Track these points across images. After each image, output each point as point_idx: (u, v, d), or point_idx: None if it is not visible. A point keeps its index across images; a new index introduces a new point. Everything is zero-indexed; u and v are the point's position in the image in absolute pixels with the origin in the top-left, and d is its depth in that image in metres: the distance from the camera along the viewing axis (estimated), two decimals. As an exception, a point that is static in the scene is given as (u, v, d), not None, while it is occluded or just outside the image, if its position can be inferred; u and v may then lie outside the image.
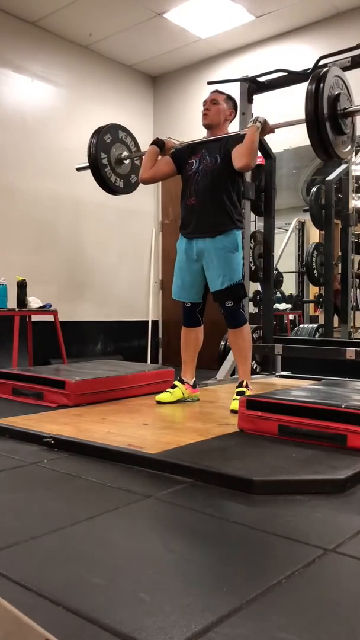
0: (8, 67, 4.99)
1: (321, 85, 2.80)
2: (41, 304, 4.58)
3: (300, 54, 5.07)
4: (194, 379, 3.32)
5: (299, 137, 5.06)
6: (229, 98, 3.28)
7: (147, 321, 6.14)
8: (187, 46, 5.51)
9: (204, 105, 3.23)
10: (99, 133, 3.67)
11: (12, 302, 4.46)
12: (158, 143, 3.34)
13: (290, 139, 4.99)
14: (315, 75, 2.85)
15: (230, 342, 3.30)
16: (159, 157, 3.34)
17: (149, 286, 6.21)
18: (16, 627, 0.69)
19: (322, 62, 3.76)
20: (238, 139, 3.10)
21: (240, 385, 3.15)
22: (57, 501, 1.74)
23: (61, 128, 5.39)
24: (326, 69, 2.88)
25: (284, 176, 5.38)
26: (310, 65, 3.87)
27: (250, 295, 4.51)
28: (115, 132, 3.75)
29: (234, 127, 3.41)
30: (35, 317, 4.68)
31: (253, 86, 4.20)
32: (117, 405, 3.13)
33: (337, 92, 2.87)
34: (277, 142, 4.40)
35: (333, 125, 2.84)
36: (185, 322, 3.35)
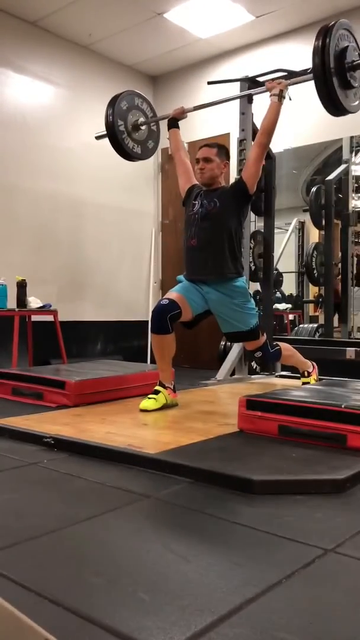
0: (8, 68, 4.99)
1: (327, 39, 2.75)
2: (41, 304, 4.58)
3: (300, 54, 5.07)
4: (172, 382, 3.16)
5: (299, 137, 5.07)
6: (220, 149, 3.23)
7: (147, 321, 6.13)
8: (187, 46, 5.50)
9: (197, 164, 3.21)
10: (115, 100, 3.67)
11: (12, 302, 4.45)
12: (172, 124, 3.54)
13: (290, 139, 5.00)
14: (321, 29, 2.81)
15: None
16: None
17: (149, 286, 6.21)
18: (16, 627, 0.69)
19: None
20: (235, 182, 3.21)
21: (303, 375, 3.55)
22: (57, 501, 1.74)
23: (61, 128, 5.39)
24: (333, 22, 2.82)
25: (283, 176, 5.37)
26: (310, 65, 3.87)
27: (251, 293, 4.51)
28: (131, 99, 3.76)
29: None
30: (35, 317, 4.68)
31: (253, 86, 4.19)
32: (117, 405, 3.13)
33: (344, 45, 2.82)
34: (277, 142, 4.39)
35: (341, 79, 2.80)
36: (153, 327, 3.07)
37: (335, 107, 2.82)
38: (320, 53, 2.73)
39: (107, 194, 5.78)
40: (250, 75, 4.22)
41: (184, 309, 3.04)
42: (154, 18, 4.99)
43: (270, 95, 3.11)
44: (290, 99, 3.09)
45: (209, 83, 4.40)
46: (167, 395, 3.06)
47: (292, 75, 3.98)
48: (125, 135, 3.72)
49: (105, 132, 3.74)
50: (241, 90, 4.20)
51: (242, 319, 3.18)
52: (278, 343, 3.47)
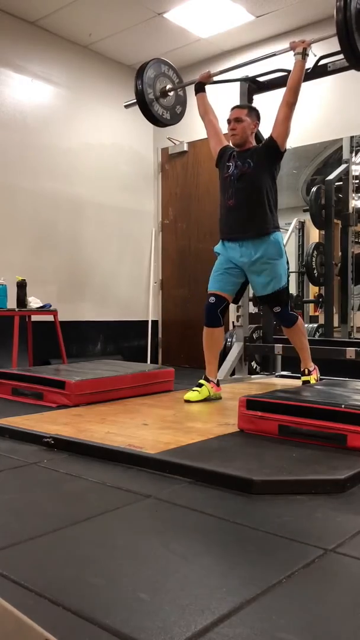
0: (8, 67, 4.99)
1: None
2: (41, 304, 4.58)
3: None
4: (217, 378, 3.42)
5: (299, 137, 5.07)
6: (250, 109, 3.38)
7: (147, 321, 6.14)
8: (187, 46, 5.50)
9: (228, 124, 3.33)
10: (143, 69, 3.72)
11: (12, 302, 4.45)
12: (198, 89, 3.59)
13: (290, 139, 4.98)
14: None
15: (288, 336, 3.54)
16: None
17: (149, 286, 6.20)
18: (16, 627, 0.69)
19: (322, 62, 3.77)
20: (267, 140, 3.27)
21: (303, 373, 3.50)
22: (57, 501, 1.74)
23: (61, 128, 5.39)
24: None
25: (283, 176, 5.36)
26: (310, 65, 3.87)
27: (251, 294, 4.51)
28: (157, 67, 3.81)
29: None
30: (35, 317, 4.68)
31: (253, 86, 4.20)
32: (117, 405, 3.13)
33: None
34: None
35: None
36: (206, 322, 3.37)
37: (358, 60, 2.92)
38: (342, 10, 2.84)
39: (107, 194, 5.78)
40: (251, 75, 4.21)
41: (227, 298, 3.36)
42: (154, 18, 4.99)
43: (295, 54, 3.21)
44: (315, 55, 3.28)
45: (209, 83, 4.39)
46: (211, 389, 3.30)
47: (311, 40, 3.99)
48: (155, 101, 3.79)
49: (134, 100, 3.79)
50: (241, 91, 4.20)
51: (277, 274, 3.25)
52: (300, 317, 3.52)
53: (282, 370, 4.58)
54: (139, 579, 1.20)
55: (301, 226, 5.84)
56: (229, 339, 4.58)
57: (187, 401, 3.21)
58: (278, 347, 4.23)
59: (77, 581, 1.19)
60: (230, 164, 3.33)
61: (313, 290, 5.82)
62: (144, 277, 6.20)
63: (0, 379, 3.43)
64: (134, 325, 6.04)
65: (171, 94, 3.87)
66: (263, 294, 3.32)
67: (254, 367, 4.60)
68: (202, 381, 3.31)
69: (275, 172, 3.33)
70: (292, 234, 5.79)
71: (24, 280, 4.47)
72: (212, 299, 3.32)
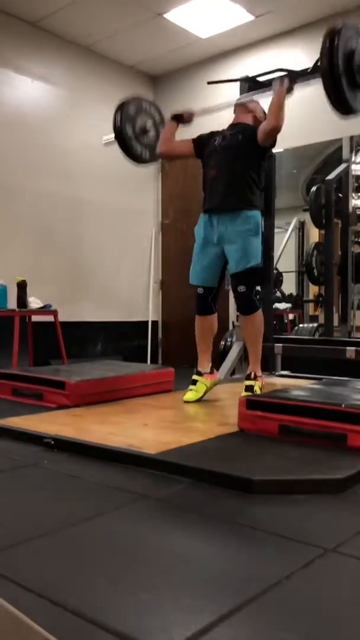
0: (8, 68, 4.99)
1: (336, 40, 2.74)
2: (41, 305, 4.58)
3: (300, 54, 5.07)
4: (209, 365, 3.34)
5: (299, 137, 5.07)
6: (259, 106, 3.42)
7: (147, 321, 6.14)
8: (187, 46, 5.50)
9: (235, 107, 3.39)
10: (123, 105, 3.67)
11: (12, 303, 4.46)
12: (176, 117, 3.45)
13: (290, 139, 4.99)
14: (330, 31, 2.79)
15: (241, 328, 3.35)
16: (183, 134, 3.47)
17: (149, 286, 6.20)
18: (16, 628, 0.69)
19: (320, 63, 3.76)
20: (253, 136, 3.20)
21: (248, 377, 3.20)
22: (57, 502, 1.74)
23: (61, 128, 5.39)
24: (341, 24, 2.81)
25: (283, 176, 5.37)
26: (310, 64, 3.87)
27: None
28: (139, 103, 3.76)
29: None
30: (35, 318, 4.68)
31: (253, 86, 4.19)
32: (117, 405, 3.13)
33: (353, 47, 2.83)
34: (277, 142, 4.40)
35: (350, 80, 2.81)
36: (198, 310, 3.32)
37: (345, 108, 2.85)
38: (328, 54, 2.74)
39: (107, 194, 5.77)
40: (250, 75, 4.21)
41: (213, 287, 3.29)
42: (154, 18, 4.99)
43: (273, 83, 3.19)
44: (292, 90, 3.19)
45: (209, 83, 4.39)
46: (206, 381, 3.24)
47: (294, 75, 3.98)
48: (134, 139, 3.71)
49: (113, 138, 3.74)
50: (241, 90, 4.20)
51: (251, 249, 3.13)
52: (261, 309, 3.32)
53: (282, 369, 4.58)
54: (139, 578, 1.20)
55: (301, 226, 5.84)
56: (228, 339, 4.58)
57: (186, 402, 3.19)
58: (278, 347, 4.22)
59: (77, 581, 1.19)
60: (216, 138, 3.30)
61: (313, 290, 5.82)
62: (144, 278, 6.20)
63: (0, 379, 3.43)
64: (134, 326, 6.04)
65: (152, 131, 3.78)
66: (236, 271, 3.16)
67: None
68: (195, 377, 3.26)
69: (262, 156, 3.27)
70: (292, 233, 5.79)
71: (24, 280, 4.47)
72: (200, 290, 3.27)
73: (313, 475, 1.84)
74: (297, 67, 4.05)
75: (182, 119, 3.43)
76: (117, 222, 5.90)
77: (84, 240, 5.61)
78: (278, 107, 3.06)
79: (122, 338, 5.93)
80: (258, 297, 3.29)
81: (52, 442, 2.29)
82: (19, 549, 1.36)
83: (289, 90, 3.13)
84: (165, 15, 4.95)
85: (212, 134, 3.35)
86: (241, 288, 3.14)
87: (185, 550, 1.36)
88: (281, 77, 3.12)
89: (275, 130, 3.10)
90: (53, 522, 1.53)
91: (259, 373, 3.26)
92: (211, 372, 3.34)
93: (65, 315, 4.94)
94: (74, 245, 5.53)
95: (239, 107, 3.35)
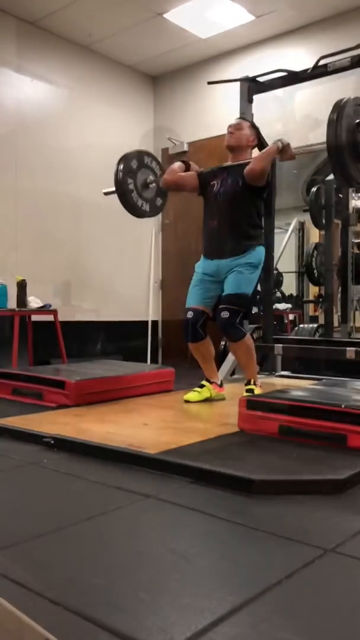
0: (8, 67, 4.99)
1: (341, 114, 2.81)
2: (41, 304, 4.58)
3: (300, 54, 5.07)
4: (219, 379, 3.41)
5: (300, 138, 5.07)
6: (253, 126, 3.40)
7: (147, 321, 6.14)
8: (187, 46, 5.50)
9: (228, 129, 3.31)
10: (125, 159, 3.68)
11: (12, 302, 4.45)
12: (184, 162, 3.46)
13: (290, 139, 4.99)
14: (335, 105, 2.87)
15: (231, 352, 3.36)
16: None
17: (149, 286, 6.20)
18: (17, 627, 0.69)
19: (322, 62, 3.77)
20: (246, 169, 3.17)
21: (248, 383, 3.25)
22: (57, 501, 1.74)
23: (61, 128, 5.39)
24: (346, 99, 2.88)
25: (284, 176, 5.37)
26: (310, 65, 3.88)
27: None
28: (140, 158, 3.76)
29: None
30: (35, 317, 4.68)
31: (253, 86, 4.20)
32: (117, 405, 3.13)
33: (357, 121, 2.88)
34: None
35: (354, 153, 2.86)
36: (187, 338, 3.31)
37: (347, 181, 2.92)
38: (334, 127, 2.80)
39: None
40: (251, 75, 4.21)
41: (205, 312, 3.26)
42: (154, 18, 4.99)
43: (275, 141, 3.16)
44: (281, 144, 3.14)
45: (209, 83, 4.41)
46: (212, 390, 3.29)
47: (292, 76, 3.99)
48: (134, 192, 3.72)
49: (113, 189, 3.74)
50: (241, 90, 4.20)
51: (243, 280, 3.12)
52: (249, 335, 3.28)
53: (282, 370, 4.58)
54: (139, 578, 1.20)
55: (301, 226, 5.85)
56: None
57: (187, 401, 3.21)
58: (278, 347, 4.23)
59: (77, 581, 1.19)
60: (215, 182, 3.29)
61: (313, 291, 5.82)
62: (144, 277, 6.20)
63: (0, 379, 3.43)
64: (134, 325, 6.04)
65: (152, 185, 3.79)
66: (229, 292, 3.14)
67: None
68: (204, 382, 3.32)
69: (261, 195, 3.26)
70: (292, 234, 5.79)
71: (24, 280, 4.47)
72: (189, 314, 3.26)
73: (313, 476, 1.84)
74: (297, 67, 4.06)
75: (189, 167, 3.43)
76: (117, 221, 5.88)
77: (84, 240, 5.61)
78: (264, 155, 3.10)
79: (122, 338, 5.93)
80: (241, 324, 3.21)
81: (52, 442, 2.29)
82: (19, 549, 1.36)
83: (285, 155, 3.12)
84: (165, 15, 4.95)
85: (212, 176, 3.33)
86: (225, 314, 3.09)
87: (185, 550, 1.36)
88: (282, 140, 3.12)
89: (253, 173, 3.10)
90: (53, 521, 1.53)
91: (258, 381, 3.32)
92: (220, 386, 3.37)
93: (65, 314, 4.94)
94: (74, 245, 5.53)
95: (232, 151, 3.30)
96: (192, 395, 3.24)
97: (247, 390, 3.16)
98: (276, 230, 4.63)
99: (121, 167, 3.66)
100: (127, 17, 4.98)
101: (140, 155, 3.77)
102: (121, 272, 5.97)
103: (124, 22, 5.07)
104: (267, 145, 3.42)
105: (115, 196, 3.82)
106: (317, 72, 3.82)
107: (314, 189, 5.24)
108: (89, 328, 5.63)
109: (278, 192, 4.52)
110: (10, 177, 5.00)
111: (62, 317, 4.72)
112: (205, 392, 3.27)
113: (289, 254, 5.73)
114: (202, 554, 1.35)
